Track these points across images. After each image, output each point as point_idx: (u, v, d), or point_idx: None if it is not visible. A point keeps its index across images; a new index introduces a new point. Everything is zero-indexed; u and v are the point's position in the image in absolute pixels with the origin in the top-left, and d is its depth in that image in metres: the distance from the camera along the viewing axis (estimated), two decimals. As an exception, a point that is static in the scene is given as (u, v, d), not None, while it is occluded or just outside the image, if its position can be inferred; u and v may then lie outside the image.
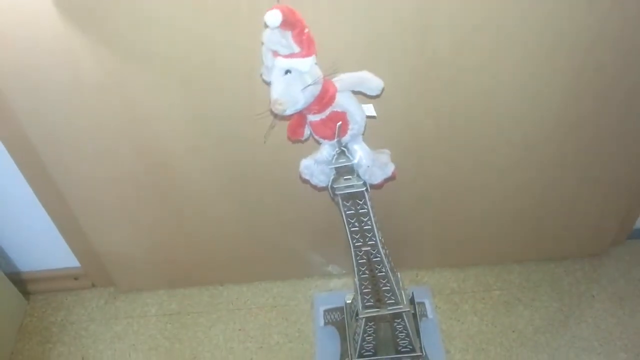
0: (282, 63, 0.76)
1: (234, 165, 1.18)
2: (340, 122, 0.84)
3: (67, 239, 1.36)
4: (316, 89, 0.79)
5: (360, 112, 0.86)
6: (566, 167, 1.22)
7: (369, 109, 0.88)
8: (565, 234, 1.40)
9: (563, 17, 0.94)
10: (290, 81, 0.77)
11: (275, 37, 0.74)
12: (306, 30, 0.75)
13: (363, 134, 0.89)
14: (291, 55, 0.75)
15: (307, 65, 0.77)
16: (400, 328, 1.17)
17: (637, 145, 1.18)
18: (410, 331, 1.16)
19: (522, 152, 1.18)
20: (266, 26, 0.71)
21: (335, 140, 0.86)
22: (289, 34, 0.73)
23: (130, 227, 1.31)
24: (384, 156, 0.92)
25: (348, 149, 0.89)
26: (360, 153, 0.89)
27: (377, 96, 0.85)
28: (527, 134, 1.14)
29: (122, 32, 0.93)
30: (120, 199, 1.24)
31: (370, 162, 0.89)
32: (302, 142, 0.92)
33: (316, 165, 0.91)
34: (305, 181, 0.94)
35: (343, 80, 0.84)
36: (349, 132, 0.86)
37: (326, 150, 0.90)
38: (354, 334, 1.20)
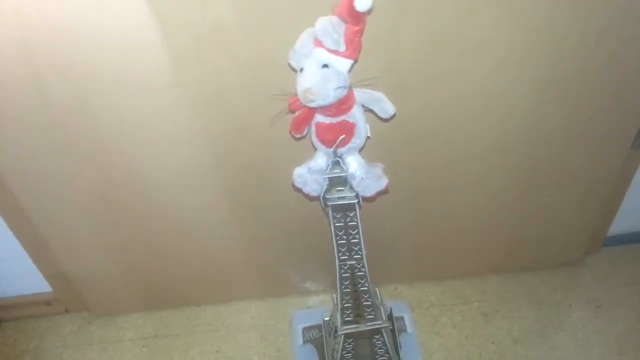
0: (323, 55, 0.77)
1: (207, 184, 1.17)
2: (343, 136, 0.85)
3: (38, 263, 1.33)
4: (343, 93, 0.80)
5: (365, 129, 0.87)
6: (538, 176, 1.23)
7: (367, 129, 0.89)
8: (541, 244, 1.41)
9: (532, 27, 0.95)
10: (328, 76, 0.77)
11: (329, 27, 0.74)
12: (360, 36, 0.75)
13: (360, 151, 0.90)
14: (335, 52, 0.76)
15: (346, 66, 0.78)
16: (379, 344, 1.16)
17: (607, 153, 1.20)
18: (389, 347, 1.15)
19: (494, 163, 1.19)
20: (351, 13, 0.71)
21: (332, 149, 0.86)
22: (343, 29, 0.74)
23: (102, 249, 1.29)
24: (378, 169, 0.92)
25: (343, 160, 0.89)
26: (354, 165, 0.90)
27: (386, 120, 0.87)
28: (499, 144, 1.15)
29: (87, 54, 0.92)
30: (89, 220, 1.21)
31: (365, 174, 0.90)
32: (298, 139, 0.92)
33: (310, 174, 0.91)
34: (298, 190, 0.94)
35: (362, 94, 0.85)
36: (350, 145, 0.87)
37: (321, 158, 0.90)
38: (332, 352, 1.19)
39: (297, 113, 0.87)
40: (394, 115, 0.86)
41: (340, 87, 0.78)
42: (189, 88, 0.99)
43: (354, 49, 0.77)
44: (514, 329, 1.35)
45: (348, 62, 0.78)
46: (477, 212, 1.31)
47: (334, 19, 0.75)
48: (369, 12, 0.73)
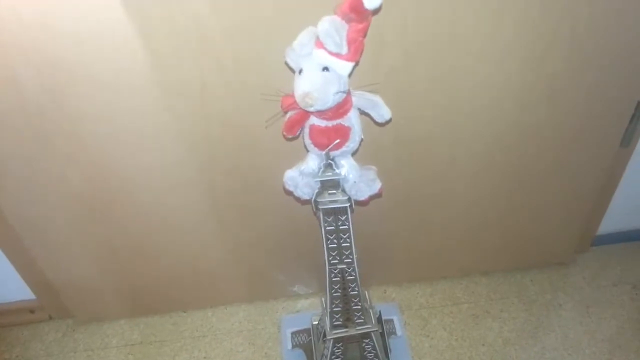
0: (325, 58, 0.74)
1: (191, 190, 1.15)
2: (338, 140, 0.83)
3: (20, 270, 1.30)
4: (343, 97, 0.78)
5: (360, 133, 0.85)
6: (527, 176, 1.23)
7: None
8: (530, 243, 1.41)
9: (520, 25, 0.95)
10: (329, 79, 0.75)
11: (332, 28, 0.71)
12: (363, 38, 0.73)
13: (353, 155, 0.88)
14: (337, 55, 0.74)
15: (348, 69, 0.76)
16: (369, 348, 1.15)
17: (595, 151, 1.19)
18: (378, 351, 1.14)
19: (483, 162, 1.18)
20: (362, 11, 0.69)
21: (325, 152, 0.84)
22: (346, 29, 0.71)
23: (86, 255, 1.26)
24: (371, 172, 0.91)
25: (335, 163, 0.87)
26: (347, 167, 0.88)
27: (382, 124, 0.85)
28: (488, 146, 1.15)
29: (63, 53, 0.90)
30: (72, 227, 1.19)
31: (357, 178, 0.88)
32: (289, 140, 0.90)
33: (301, 177, 0.89)
34: (289, 193, 0.92)
35: (359, 98, 0.83)
36: (344, 148, 0.85)
37: (313, 161, 0.88)
38: (322, 356, 1.17)
39: (290, 114, 0.85)
40: (389, 120, 0.85)
41: (340, 91, 0.76)
42: (171, 87, 0.97)
43: (355, 50, 0.74)
44: (504, 330, 1.34)
45: (349, 65, 0.76)
46: (466, 213, 1.30)
47: (337, 19, 0.72)
48: (376, 10, 0.71)
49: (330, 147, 0.84)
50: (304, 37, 0.76)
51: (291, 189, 0.91)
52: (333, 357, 1.14)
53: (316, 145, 0.85)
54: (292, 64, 0.80)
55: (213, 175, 1.13)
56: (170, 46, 0.91)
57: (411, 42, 0.94)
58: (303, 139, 0.88)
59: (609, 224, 1.44)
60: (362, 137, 0.87)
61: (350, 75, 0.78)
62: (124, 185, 1.12)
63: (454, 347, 1.31)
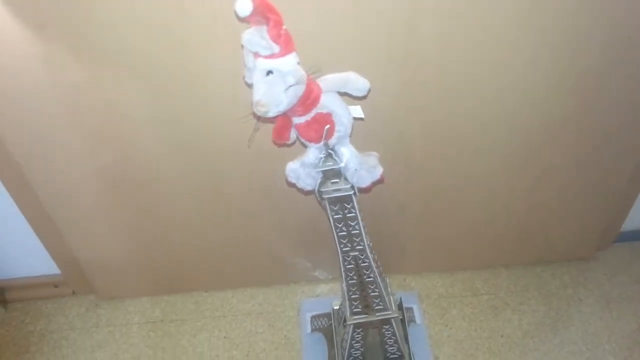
0: (263, 64, 0.75)
1: (217, 170, 1.16)
2: (328, 125, 0.82)
3: (47, 245, 1.32)
4: (299, 90, 0.77)
5: (346, 114, 0.84)
6: (551, 170, 1.22)
7: (356, 111, 0.86)
8: (552, 238, 1.40)
9: (543, 24, 0.94)
10: (272, 82, 0.75)
11: (254, 38, 0.72)
12: (284, 27, 0.73)
13: (350, 136, 0.87)
14: (272, 56, 0.74)
15: (288, 64, 0.75)
16: (388, 334, 1.15)
17: (621, 149, 1.18)
18: (398, 337, 1.15)
19: (508, 156, 1.18)
20: (241, 20, 0.68)
21: (322, 142, 0.84)
22: (265, 30, 0.71)
23: (110, 233, 1.28)
24: (372, 159, 0.90)
25: (335, 152, 0.87)
26: (347, 156, 0.87)
27: (364, 97, 0.84)
28: (513, 137, 1.14)
29: (97, 36, 0.91)
30: (99, 204, 1.21)
31: (358, 165, 0.88)
32: (288, 146, 0.90)
33: (302, 168, 0.89)
34: (292, 185, 0.92)
35: (328, 81, 0.82)
36: (336, 134, 0.84)
37: (312, 153, 0.88)
38: (342, 341, 1.18)
39: (275, 123, 0.85)
40: (369, 90, 0.82)
41: (291, 86, 0.76)
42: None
43: (285, 42, 0.74)
44: (524, 323, 1.34)
45: (288, 59, 0.75)
46: (488, 205, 1.29)
47: (255, 28, 0.72)
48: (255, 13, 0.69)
49: (324, 135, 0.83)
50: (245, 54, 0.77)
51: (293, 180, 0.91)
52: (353, 342, 1.15)
53: (309, 140, 0.85)
54: (249, 81, 0.79)
55: (236, 161, 1.14)
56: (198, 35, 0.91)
57: (442, 31, 0.93)
58: (298, 140, 0.88)
59: (633, 222, 1.43)
60: (362, 115, 0.86)
61: (299, 62, 0.77)
62: (149, 167, 1.14)
63: (472, 337, 1.32)
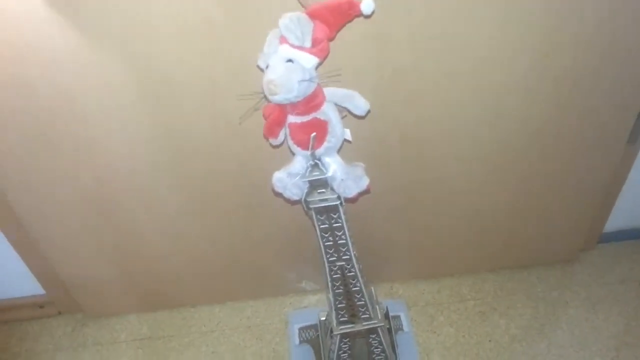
0: (288, 51, 0.77)
1: (199, 183, 1.16)
2: (314, 133, 0.83)
3: (30, 266, 1.32)
4: (310, 88, 0.79)
5: (340, 127, 0.86)
6: (533, 173, 1.23)
7: (346, 134, 0.88)
8: (537, 241, 1.41)
9: (524, 23, 0.95)
10: (291, 68, 0.77)
11: (292, 24, 0.75)
12: (328, 40, 0.77)
13: (338, 151, 0.88)
14: (300, 48, 0.77)
15: (311, 61, 0.78)
16: (375, 343, 1.15)
17: (602, 148, 1.19)
18: (385, 346, 1.15)
19: (489, 161, 1.18)
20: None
21: (309, 152, 0.85)
22: (310, 27, 0.75)
23: (95, 250, 1.27)
24: (359, 169, 0.91)
25: (322, 162, 0.88)
26: (334, 166, 0.88)
27: (361, 117, 0.86)
28: (493, 142, 1.15)
29: (80, 49, 0.91)
30: (82, 221, 1.20)
31: (345, 175, 0.88)
32: (275, 147, 0.91)
33: (289, 178, 0.89)
34: (278, 195, 0.92)
35: (333, 91, 0.84)
36: (326, 144, 0.85)
37: (299, 162, 0.89)
38: (329, 351, 1.18)
39: (268, 117, 0.86)
40: (368, 112, 0.85)
41: (305, 80, 0.77)
42: (181, 86, 0.98)
43: (321, 49, 0.77)
44: (511, 327, 1.34)
45: (312, 59, 0.78)
46: (472, 210, 1.30)
47: (298, 15, 0.75)
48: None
49: (311, 142, 0.84)
50: (270, 37, 0.80)
51: (280, 190, 0.91)
52: (340, 352, 1.15)
53: (298, 143, 0.86)
54: (262, 65, 0.82)
55: (220, 175, 1.14)
56: (178, 45, 0.92)
57: (415, 36, 0.94)
58: (287, 143, 0.88)
59: (615, 222, 1.44)
60: (350, 138, 0.88)
61: (317, 68, 0.80)
62: (130, 182, 1.14)
63: (461, 343, 1.32)
